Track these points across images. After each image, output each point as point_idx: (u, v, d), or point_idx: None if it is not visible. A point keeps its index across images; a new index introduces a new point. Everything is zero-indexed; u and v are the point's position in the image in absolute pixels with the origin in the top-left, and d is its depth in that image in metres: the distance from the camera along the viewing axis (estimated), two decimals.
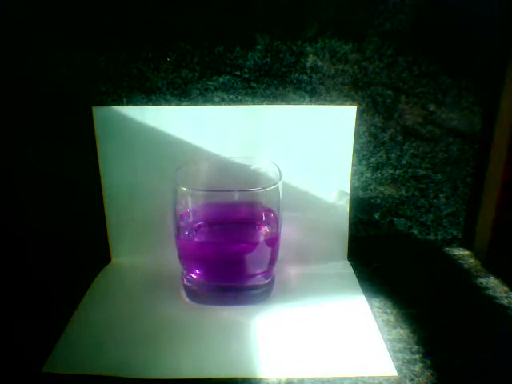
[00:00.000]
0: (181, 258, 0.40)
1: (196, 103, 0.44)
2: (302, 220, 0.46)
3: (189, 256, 0.40)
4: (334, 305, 0.40)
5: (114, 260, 0.47)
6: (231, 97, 0.44)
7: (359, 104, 0.44)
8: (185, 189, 0.37)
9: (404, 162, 0.47)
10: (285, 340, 0.36)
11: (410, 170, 0.48)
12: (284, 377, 0.32)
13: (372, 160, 0.47)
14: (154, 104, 0.44)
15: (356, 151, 0.46)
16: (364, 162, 0.47)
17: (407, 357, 0.34)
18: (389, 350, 0.34)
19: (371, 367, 0.33)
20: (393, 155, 0.47)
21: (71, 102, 0.44)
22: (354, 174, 0.47)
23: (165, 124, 0.44)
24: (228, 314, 0.39)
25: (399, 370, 0.32)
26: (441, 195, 0.49)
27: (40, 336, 0.36)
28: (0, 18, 0.41)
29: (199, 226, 0.41)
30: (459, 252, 0.50)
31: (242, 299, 0.40)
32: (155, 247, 0.46)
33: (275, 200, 0.39)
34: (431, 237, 0.51)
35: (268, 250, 0.39)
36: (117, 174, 0.45)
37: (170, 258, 0.42)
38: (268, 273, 0.41)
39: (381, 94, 0.45)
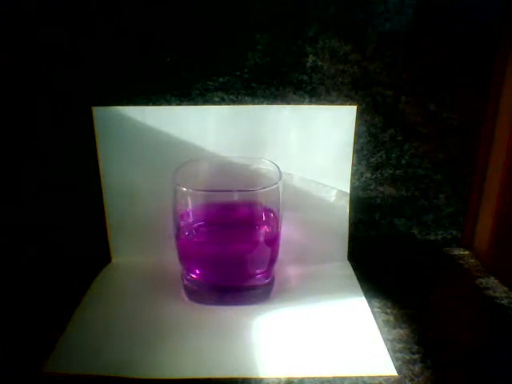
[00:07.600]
0: (181, 257, 0.40)
1: (196, 103, 0.44)
2: (302, 220, 0.46)
3: (189, 256, 0.40)
4: (334, 305, 0.40)
5: (114, 260, 0.47)
6: (231, 97, 0.44)
7: (359, 104, 0.44)
8: (185, 189, 0.37)
9: (404, 162, 0.47)
10: (285, 340, 0.36)
11: (409, 170, 0.48)
12: (284, 377, 0.32)
13: (372, 160, 0.47)
14: (153, 104, 0.44)
15: (356, 151, 0.46)
16: (364, 162, 0.47)
17: (407, 357, 0.34)
18: (389, 350, 0.34)
19: (371, 367, 0.33)
20: (393, 155, 0.47)
21: (71, 102, 0.44)
22: (354, 174, 0.47)
23: (165, 124, 0.44)
24: (228, 313, 0.39)
25: (399, 370, 0.32)
26: (441, 195, 0.49)
27: (40, 336, 0.36)
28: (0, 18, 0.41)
29: (199, 226, 0.41)
30: (459, 252, 0.50)
31: (242, 299, 0.40)
32: (155, 247, 0.46)
33: (275, 200, 0.39)
34: (431, 237, 0.51)
35: (268, 250, 0.39)
36: (117, 174, 0.45)
37: (169, 258, 0.42)
38: (268, 273, 0.41)
39: (381, 94, 0.45)
